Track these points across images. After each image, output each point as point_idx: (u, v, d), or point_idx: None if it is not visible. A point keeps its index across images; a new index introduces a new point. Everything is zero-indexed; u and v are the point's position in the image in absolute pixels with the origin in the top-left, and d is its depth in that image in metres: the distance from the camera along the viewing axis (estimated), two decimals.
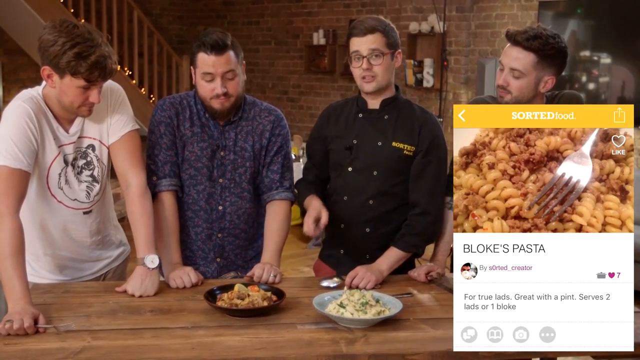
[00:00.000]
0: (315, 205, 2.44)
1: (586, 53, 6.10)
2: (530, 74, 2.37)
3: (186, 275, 2.32)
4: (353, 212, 2.49)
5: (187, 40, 9.34)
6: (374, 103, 2.49)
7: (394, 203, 2.47)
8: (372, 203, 2.47)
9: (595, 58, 6.07)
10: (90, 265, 2.46)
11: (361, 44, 2.39)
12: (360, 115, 2.50)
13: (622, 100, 5.98)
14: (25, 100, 2.20)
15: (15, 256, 2.05)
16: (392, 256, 2.43)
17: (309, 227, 2.37)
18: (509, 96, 2.42)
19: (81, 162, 2.32)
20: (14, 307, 1.97)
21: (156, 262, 2.26)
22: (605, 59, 6.03)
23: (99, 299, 2.20)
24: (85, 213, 2.36)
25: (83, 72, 2.10)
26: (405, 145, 2.44)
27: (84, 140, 2.32)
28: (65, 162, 2.28)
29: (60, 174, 2.28)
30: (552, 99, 2.52)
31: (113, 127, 2.34)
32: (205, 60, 2.37)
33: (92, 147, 2.33)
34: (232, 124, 2.51)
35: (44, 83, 2.26)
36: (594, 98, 6.08)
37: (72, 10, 7.76)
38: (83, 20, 7.84)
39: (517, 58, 2.37)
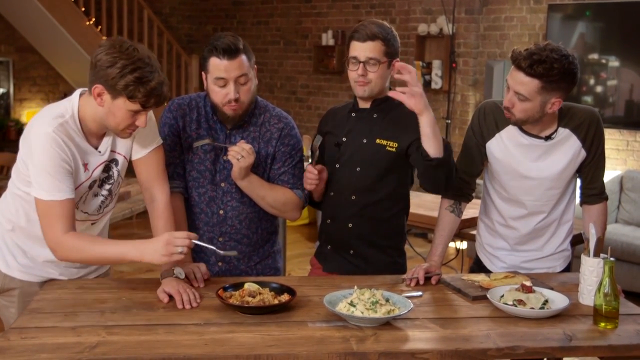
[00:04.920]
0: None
1: (594, 56, 6.10)
2: (535, 99, 2.33)
3: (196, 268, 2.37)
4: (338, 207, 2.57)
5: (197, 40, 9.38)
6: (365, 103, 2.56)
7: (374, 198, 2.52)
8: (354, 198, 2.53)
9: (604, 61, 6.07)
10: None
11: (360, 50, 2.43)
12: (353, 114, 2.58)
13: (630, 104, 5.98)
14: (54, 128, 2.12)
15: (96, 239, 2.22)
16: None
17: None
18: (513, 118, 2.41)
19: (103, 176, 2.31)
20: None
21: (183, 275, 2.29)
22: (614, 62, 6.02)
23: (112, 295, 2.24)
24: (92, 224, 2.38)
25: (140, 97, 2.08)
26: (388, 142, 2.49)
27: (110, 155, 2.32)
28: (90, 186, 2.27)
29: (83, 195, 2.28)
30: (565, 113, 2.49)
31: (141, 142, 2.33)
32: (218, 65, 2.36)
33: (116, 161, 2.32)
34: (239, 128, 2.51)
35: (76, 94, 2.22)
36: (602, 101, 6.08)
37: (83, 9, 7.80)
38: (93, 19, 7.89)
39: (522, 83, 2.32)
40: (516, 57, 2.33)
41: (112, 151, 2.29)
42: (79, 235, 2.16)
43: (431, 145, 2.29)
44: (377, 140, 2.51)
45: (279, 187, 2.54)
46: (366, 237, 2.55)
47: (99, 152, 2.26)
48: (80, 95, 2.22)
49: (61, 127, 2.14)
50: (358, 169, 2.53)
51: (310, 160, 2.55)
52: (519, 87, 2.33)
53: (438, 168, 2.32)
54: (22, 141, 2.19)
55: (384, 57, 2.43)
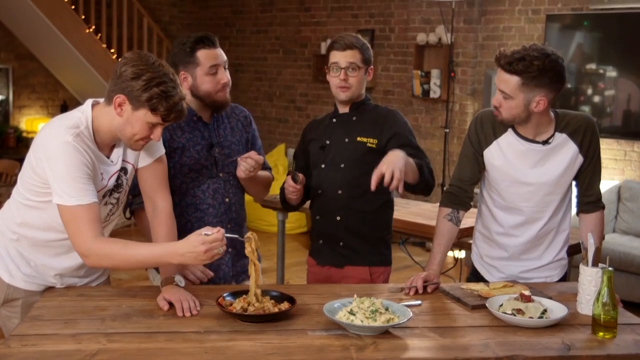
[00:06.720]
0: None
1: (592, 66, 6.12)
2: (517, 96, 2.40)
3: (197, 270, 2.45)
4: (326, 203, 2.75)
5: None
6: (344, 109, 2.77)
7: (359, 191, 2.66)
8: (340, 193, 2.71)
9: (601, 71, 6.09)
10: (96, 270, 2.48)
11: (341, 57, 2.66)
12: (334, 120, 2.79)
13: (627, 113, 6.00)
14: (73, 137, 2.13)
15: (128, 243, 2.12)
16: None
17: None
18: (500, 117, 2.49)
19: (114, 185, 2.31)
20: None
21: (183, 282, 2.30)
22: (611, 72, 6.04)
23: (112, 302, 2.24)
24: None
25: (162, 111, 2.12)
26: (369, 139, 2.70)
27: (122, 164, 2.32)
28: (104, 196, 2.28)
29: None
30: (562, 119, 2.52)
31: (147, 150, 2.34)
32: (210, 54, 2.55)
33: (125, 170, 2.32)
34: (217, 120, 2.68)
35: (88, 106, 2.22)
36: (600, 111, 6.10)
37: (83, 17, 7.82)
38: (93, 27, 7.91)
39: (503, 81, 2.42)
40: (497, 57, 2.45)
41: (123, 160, 2.31)
42: (109, 240, 2.14)
43: (409, 178, 2.51)
44: (358, 138, 2.70)
45: (262, 171, 2.74)
46: (354, 229, 2.71)
47: (112, 161, 2.28)
48: (92, 106, 2.23)
49: (78, 137, 2.15)
50: (342, 165, 2.71)
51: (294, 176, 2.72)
52: (502, 85, 2.43)
53: (416, 187, 2.62)
54: (35, 153, 2.18)
55: (362, 63, 2.67)
